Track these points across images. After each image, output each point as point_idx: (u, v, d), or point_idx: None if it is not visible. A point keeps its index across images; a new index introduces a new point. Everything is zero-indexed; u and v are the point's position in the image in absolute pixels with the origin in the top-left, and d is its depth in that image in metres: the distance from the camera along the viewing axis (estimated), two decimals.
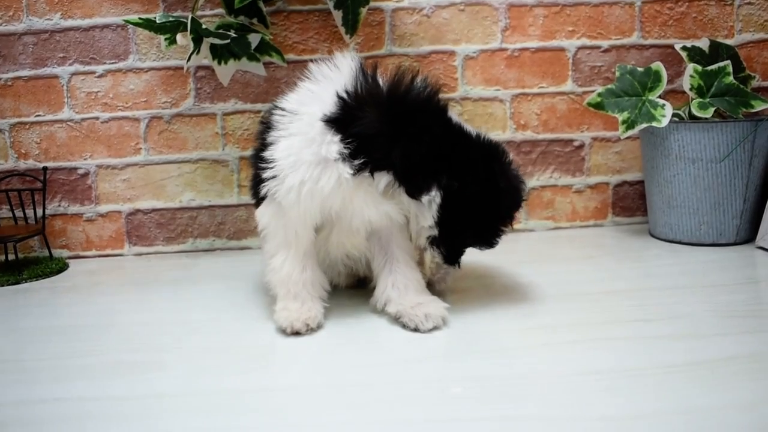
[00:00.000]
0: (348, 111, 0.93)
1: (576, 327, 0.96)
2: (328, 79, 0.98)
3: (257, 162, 1.00)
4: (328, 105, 0.94)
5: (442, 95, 0.99)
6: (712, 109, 1.36)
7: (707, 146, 1.35)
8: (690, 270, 1.24)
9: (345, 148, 0.92)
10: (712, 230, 1.39)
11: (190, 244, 1.57)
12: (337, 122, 0.93)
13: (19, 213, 1.51)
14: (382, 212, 0.97)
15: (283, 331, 0.98)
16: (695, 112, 1.37)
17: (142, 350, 0.96)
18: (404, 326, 0.98)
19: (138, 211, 1.55)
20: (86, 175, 1.54)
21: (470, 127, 1.00)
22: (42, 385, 0.85)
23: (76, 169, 1.53)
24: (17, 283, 1.36)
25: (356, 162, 0.92)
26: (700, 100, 1.38)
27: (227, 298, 1.19)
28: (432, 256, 1.04)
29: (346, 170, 0.92)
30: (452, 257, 1.01)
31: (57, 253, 1.55)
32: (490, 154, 0.97)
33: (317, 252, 1.05)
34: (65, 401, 0.80)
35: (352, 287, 1.19)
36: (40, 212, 1.51)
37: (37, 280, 1.39)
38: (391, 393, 0.78)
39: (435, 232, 0.97)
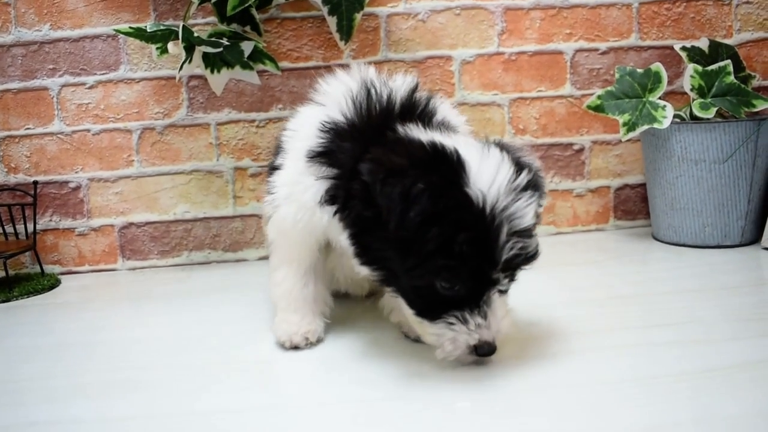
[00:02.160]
0: (327, 146, 0.85)
1: (584, 335, 0.93)
2: (319, 104, 0.93)
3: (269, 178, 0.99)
4: (312, 137, 0.87)
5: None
6: (714, 110, 1.34)
7: (710, 147, 1.33)
8: (696, 273, 1.21)
9: (326, 190, 0.85)
10: (716, 232, 1.36)
11: (185, 257, 1.54)
12: (318, 158, 0.86)
13: (9, 228, 1.48)
14: None
15: (282, 345, 0.95)
16: (697, 112, 1.35)
17: (136, 368, 0.93)
18: (405, 336, 0.96)
19: (131, 224, 1.52)
20: (78, 188, 1.51)
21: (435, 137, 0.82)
22: (31, 406, 0.82)
23: (67, 182, 1.50)
24: (8, 300, 1.33)
25: (335, 207, 0.84)
26: (702, 100, 1.36)
27: (224, 312, 1.17)
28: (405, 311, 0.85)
29: (331, 212, 0.85)
30: (418, 308, 0.81)
31: (49, 268, 1.52)
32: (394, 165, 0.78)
33: (332, 267, 1.02)
34: (57, 424, 0.77)
35: (371, 296, 1.16)
36: (30, 227, 1.47)
37: (28, 297, 1.35)
38: (395, 409, 0.75)
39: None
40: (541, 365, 0.84)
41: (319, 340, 0.97)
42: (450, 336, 0.78)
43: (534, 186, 0.78)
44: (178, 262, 1.54)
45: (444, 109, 0.92)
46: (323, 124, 0.87)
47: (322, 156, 0.85)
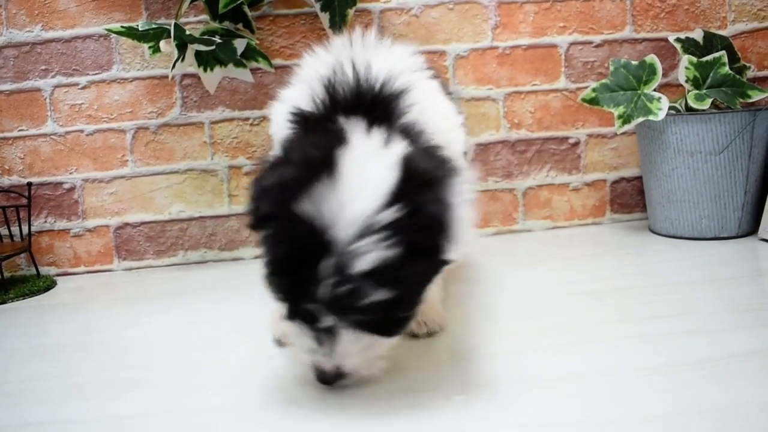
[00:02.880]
0: (292, 137, 0.80)
1: (583, 327, 0.93)
2: (294, 86, 0.89)
3: None
4: (282, 126, 0.84)
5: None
6: (709, 101, 1.34)
7: (705, 138, 1.32)
8: (694, 265, 1.21)
9: None
10: (713, 224, 1.36)
11: (181, 256, 1.53)
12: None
13: (4, 230, 1.47)
14: None
15: (277, 342, 0.94)
16: (692, 104, 1.34)
17: (133, 368, 0.93)
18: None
19: (126, 224, 1.52)
20: (72, 189, 1.50)
21: None
22: (26, 407, 0.81)
23: (61, 183, 1.50)
24: (3, 302, 1.32)
25: None
26: (697, 91, 1.36)
27: (220, 311, 1.16)
28: None
29: None
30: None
31: (44, 270, 1.51)
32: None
33: None
34: (52, 424, 0.76)
35: None
36: (25, 229, 1.47)
37: (24, 298, 1.35)
38: (393, 402, 0.74)
39: None
40: (539, 357, 0.84)
41: None
42: (297, 342, 0.74)
43: (400, 229, 0.64)
44: (174, 261, 1.53)
45: (422, 108, 0.79)
46: (290, 113, 0.81)
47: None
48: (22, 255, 1.50)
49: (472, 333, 0.94)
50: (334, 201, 0.64)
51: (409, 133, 0.75)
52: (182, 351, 0.98)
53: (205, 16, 1.43)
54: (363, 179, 0.65)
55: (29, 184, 1.47)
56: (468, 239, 0.68)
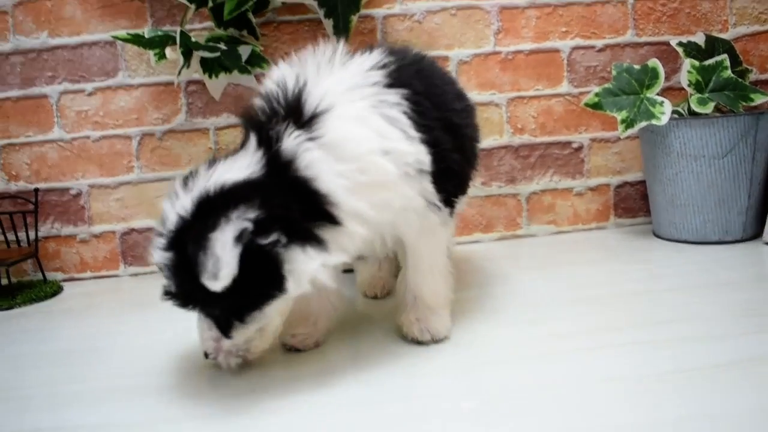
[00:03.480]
0: None
1: (589, 332, 0.93)
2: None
3: None
4: None
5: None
6: (712, 104, 1.34)
7: (709, 142, 1.33)
8: (699, 269, 1.21)
9: None
10: (717, 228, 1.36)
11: None
12: None
13: (11, 236, 1.48)
14: None
15: (282, 345, 0.96)
16: (695, 107, 1.35)
17: (140, 374, 0.93)
18: (404, 337, 0.96)
19: (132, 230, 1.53)
20: (79, 195, 1.51)
21: None
22: (36, 413, 0.83)
23: (68, 189, 1.51)
24: (10, 308, 1.33)
25: None
26: (699, 95, 1.36)
27: None
28: None
29: None
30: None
31: (51, 275, 1.52)
32: None
33: None
34: (60, 430, 0.77)
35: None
36: (32, 235, 1.48)
37: (31, 304, 1.35)
38: (400, 409, 0.75)
39: None
40: (545, 363, 0.84)
41: (317, 345, 0.97)
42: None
43: (171, 240, 0.78)
44: None
45: (329, 132, 0.80)
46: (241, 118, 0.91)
47: None
48: (29, 260, 1.51)
49: (477, 340, 0.94)
50: (169, 204, 0.80)
51: (277, 159, 0.79)
52: (189, 358, 0.98)
53: (209, 23, 1.44)
54: (177, 203, 0.79)
55: (36, 190, 1.48)
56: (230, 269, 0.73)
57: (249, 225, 0.74)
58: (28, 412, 0.83)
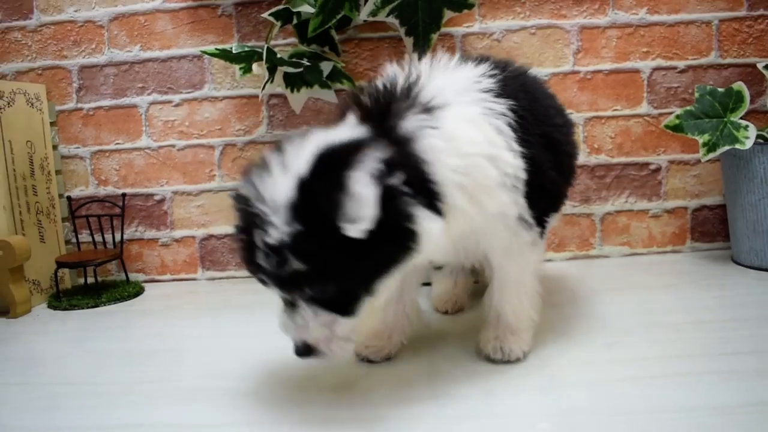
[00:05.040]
0: None
1: (662, 360, 0.92)
2: None
3: None
4: None
5: None
6: None
7: None
8: None
9: None
10: None
11: None
12: None
13: (98, 237, 1.56)
14: None
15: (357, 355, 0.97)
16: None
17: (217, 376, 0.97)
18: (479, 353, 0.96)
19: (211, 236, 1.58)
20: (162, 201, 1.58)
21: None
22: (120, 409, 0.87)
23: (152, 195, 1.58)
24: (96, 306, 1.40)
25: None
26: None
27: None
28: None
29: None
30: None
31: (133, 276, 1.59)
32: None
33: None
34: (142, 427, 0.81)
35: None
36: (118, 237, 1.55)
37: (114, 303, 1.42)
38: (474, 427, 0.76)
39: None
40: (619, 389, 0.84)
41: (389, 357, 0.98)
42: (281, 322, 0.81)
43: (294, 208, 0.70)
44: None
45: (444, 130, 0.79)
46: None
47: None
48: (114, 262, 1.58)
49: (552, 360, 0.94)
50: (263, 184, 0.73)
51: (392, 133, 0.77)
52: (263, 362, 1.01)
53: (293, 39, 1.48)
54: (285, 168, 0.72)
55: (123, 195, 1.55)
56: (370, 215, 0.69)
57: (383, 167, 0.70)
58: (112, 408, 0.87)
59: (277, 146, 0.76)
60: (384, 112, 0.79)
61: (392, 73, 0.88)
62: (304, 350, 0.79)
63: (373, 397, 0.86)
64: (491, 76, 0.88)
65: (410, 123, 0.78)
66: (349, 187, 0.68)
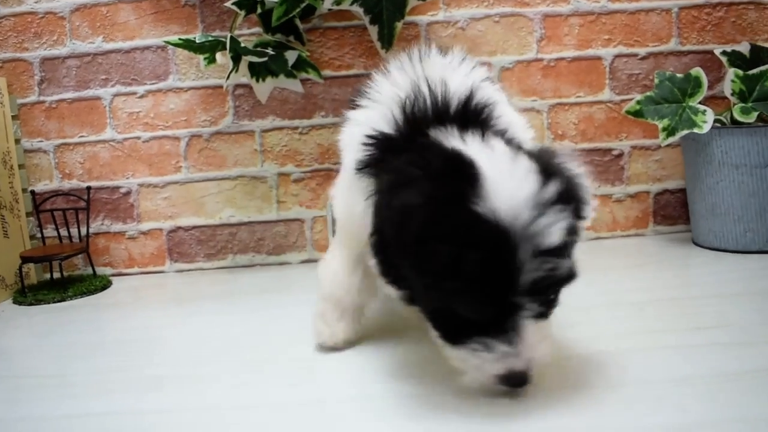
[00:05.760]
0: (371, 157, 0.80)
1: (623, 336, 0.94)
2: (367, 109, 0.87)
3: None
4: (358, 147, 0.82)
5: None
6: (755, 114, 1.33)
7: (751, 151, 1.32)
8: (737, 278, 1.21)
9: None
10: (758, 237, 1.35)
11: (230, 260, 1.58)
12: (364, 170, 0.81)
13: (63, 232, 1.54)
14: None
15: (320, 345, 0.97)
16: (738, 117, 1.34)
17: (185, 365, 0.97)
18: None
19: (179, 228, 1.57)
20: (128, 193, 1.57)
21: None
22: (87, 399, 0.87)
23: (118, 188, 1.56)
24: (62, 300, 1.38)
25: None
26: (743, 104, 1.36)
27: (267, 313, 1.20)
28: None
29: None
30: (441, 331, 0.74)
31: (100, 270, 1.57)
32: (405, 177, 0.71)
33: None
34: (110, 415, 0.81)
35: None
36: (84, 231, 1.54)
37: (81, 297, 1.41)
38: (435, 404, 0.77)
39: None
40: (579, 365, 0.85)
41: (347, 343, 0.97)
42: (474, 363, 0.71)
43: (566, 198, 0.68)
44: (223, 264, 1.58)
45: (505, 112, 0.83)
46: (367, 134, 0.80)
47: (367, 168, 0.80)
48: (80, 255, 1.56)
49: None
50: (496, 195, 0.64)
51: (507, 140, 0.76)
52: (232, 350, 1.02)
53: (257, 29, 1.48)
54: (505, 174, 0.66)
55: (88, 188, 1.54)
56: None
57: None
58: (79, 398, 0.87)
59: (456, 165, 0.68)
60: (476, 123, 0.78)
61: (406, 83, 0.84)
62: (527, 375, 0.71)
63: (340, 380, 0.87)
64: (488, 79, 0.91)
65: (498, 125, 0.80)
66: (582, 183, 0.73)
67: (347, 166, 0.86)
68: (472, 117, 0.78)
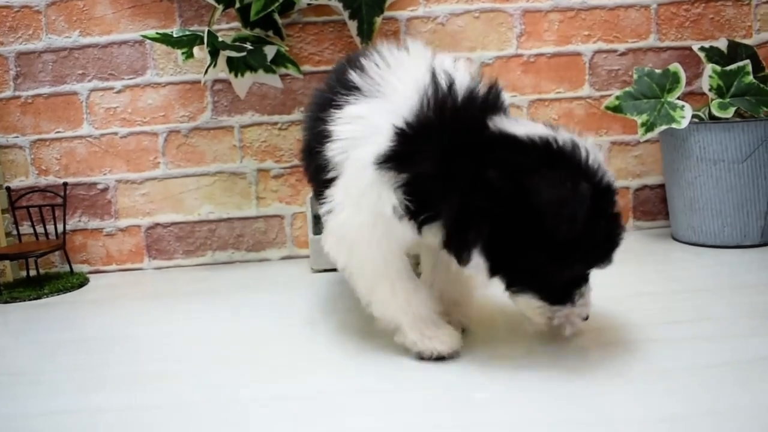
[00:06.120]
0: (405, 147, 0.79)
1: (603, 330, 0.95)
2: (385, 95, 0.84)
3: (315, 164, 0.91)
4: (381, 141, 0.80)
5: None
6: (733, 109, 1.34)
7: (729, 147, 1.33)
8: (715, 272, 1.22)
9: (404, 199, 0.80)
10: (735, 232, 1.37)
11: (209, 256, 1.57)
12: (392, 162, 0.79)
13: (40, 229, 1.52)
14: None
15: (429, 357, 0.87)
16: (715, 112, 1.35)
17: (162, 361, 0.97)
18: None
19: (157, 224, 1.56)
20: (106, 190, 1.55)
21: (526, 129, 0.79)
22: (63, 396, 0.86)
23: (95, 184, 1.55)
24: (39, 297, 1.37)
25: (419, 218, 0.81)
26: (720, 100, 1.36)
27: (246, 310, 1.20)
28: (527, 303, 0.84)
29: (409, 227, 0.82)
30: (554, 298, 0.83)
31: (78, 267, 1.56)
32: (527, 167, 0.75)
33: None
34: (86, 411, 0.80)
35: None
36: (60, 228, 1.52)
37: (58, 294, 1.39)
38: (416, 399, 0.77)
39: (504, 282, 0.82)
40: (560, 358, 0.86)
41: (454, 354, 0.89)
42: (577, 312, 0.84)
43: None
44: (202, 261, 1.57)
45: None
46: (394, 125, 0.79)
47: (397, 161, 0.79)
48: (57, 252, 1.54)
49: (490, 334, 0.97)
50: (596, 172, 0.78)
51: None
52: (210, 346, 1.01)
53: (236, 23, 1.47)
54: (592, 154, 0.78)
55: (65, 184, 1.52)
56: None
57: None
58: (55, 395, 0.86)
59: (573, 151, 0.78)
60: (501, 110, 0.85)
61: (420, 77, 0.83)
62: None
63: (317, 376, 0.87)
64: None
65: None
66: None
67: (360, 164, 0.82)
68: (497, 103, 0.84)
